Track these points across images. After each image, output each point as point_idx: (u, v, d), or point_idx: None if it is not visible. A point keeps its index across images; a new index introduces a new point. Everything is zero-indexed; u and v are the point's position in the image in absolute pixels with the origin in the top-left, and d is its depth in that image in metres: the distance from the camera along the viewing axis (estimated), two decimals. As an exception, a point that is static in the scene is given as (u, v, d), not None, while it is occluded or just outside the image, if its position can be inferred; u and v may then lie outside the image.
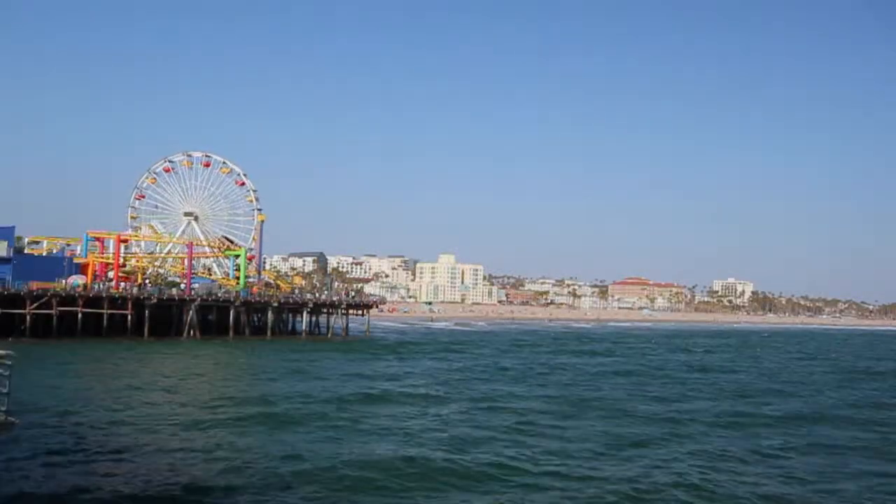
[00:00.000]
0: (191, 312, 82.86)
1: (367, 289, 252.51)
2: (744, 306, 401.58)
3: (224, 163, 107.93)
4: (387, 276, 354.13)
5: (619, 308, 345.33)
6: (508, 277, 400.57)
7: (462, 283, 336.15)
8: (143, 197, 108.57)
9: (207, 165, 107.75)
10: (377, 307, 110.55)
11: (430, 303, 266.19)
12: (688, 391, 50.72)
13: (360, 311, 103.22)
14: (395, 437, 31.00)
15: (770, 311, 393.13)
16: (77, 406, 34.67)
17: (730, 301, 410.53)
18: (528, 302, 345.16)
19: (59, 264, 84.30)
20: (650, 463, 26.78)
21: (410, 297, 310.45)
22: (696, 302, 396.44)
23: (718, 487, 23.65)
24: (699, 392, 50.30)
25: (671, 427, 34.89)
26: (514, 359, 74.79)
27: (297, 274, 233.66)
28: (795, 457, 29.21)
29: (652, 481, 23.98)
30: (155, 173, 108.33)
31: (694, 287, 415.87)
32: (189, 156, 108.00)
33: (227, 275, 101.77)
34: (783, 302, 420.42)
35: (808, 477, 25.70)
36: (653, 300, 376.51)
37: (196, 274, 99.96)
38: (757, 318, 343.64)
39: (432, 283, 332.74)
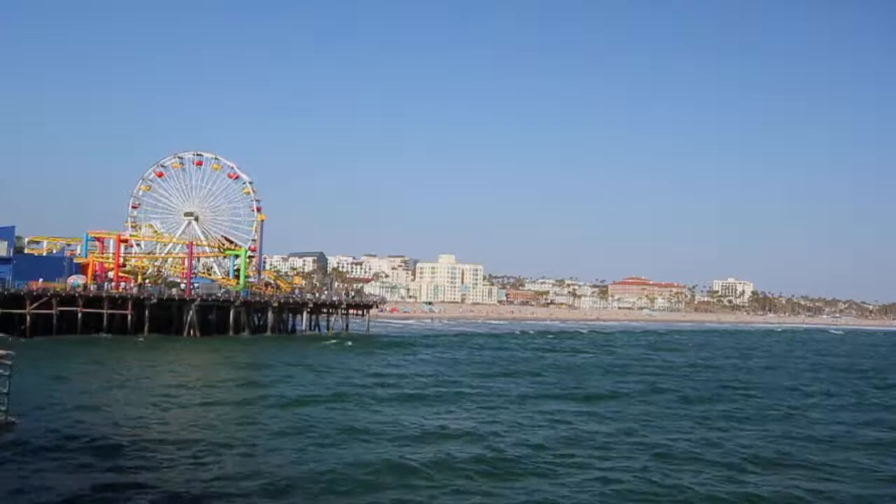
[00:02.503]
0: (191, 312, 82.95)
1: (368, 289, 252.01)
2: (744, 306, 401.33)
3: (215, 158, 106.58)
4: (387, 276, 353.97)
5: (619, 308, 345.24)
6: (508, 277, 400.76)
7: (462, 283, 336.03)
8: (139, 206, 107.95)
9: (199, 164, 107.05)
10: (377, 307, 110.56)
11: (430, 303, 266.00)
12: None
13: (360, 311, 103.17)
14: (385, 416, 33.72)
15: (770, 311, 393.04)
16: (77, 405, 34.71)
17: (730, 301, 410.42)
18: (528, 302, 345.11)
19: (59, 264, 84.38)
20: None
21: (410, 297, 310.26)
22: (696, 302, 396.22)
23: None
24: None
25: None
26: (502, 355, 77.96)
27: (297, 274, 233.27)
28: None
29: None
30: (149, 180, 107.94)
31: (694, 287, 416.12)
32: (180, 158, 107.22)
33: (227, 275, 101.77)
34: (783, 302, 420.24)
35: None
36: (653, 300, 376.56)
37: (196, 274, 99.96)
38: (757, 318, 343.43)
39: (432, 283, 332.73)
